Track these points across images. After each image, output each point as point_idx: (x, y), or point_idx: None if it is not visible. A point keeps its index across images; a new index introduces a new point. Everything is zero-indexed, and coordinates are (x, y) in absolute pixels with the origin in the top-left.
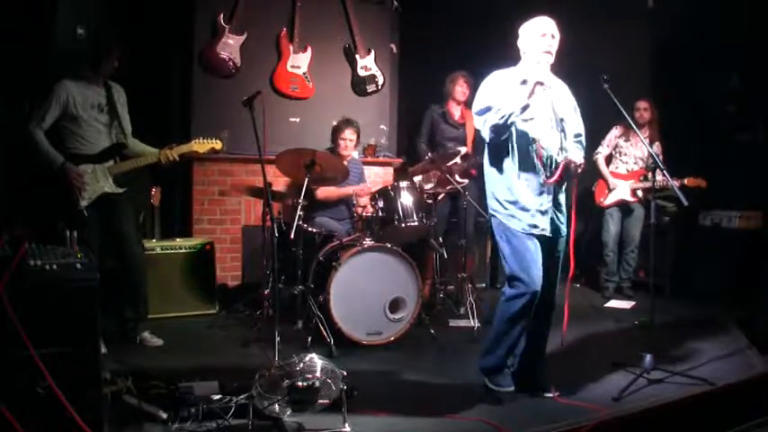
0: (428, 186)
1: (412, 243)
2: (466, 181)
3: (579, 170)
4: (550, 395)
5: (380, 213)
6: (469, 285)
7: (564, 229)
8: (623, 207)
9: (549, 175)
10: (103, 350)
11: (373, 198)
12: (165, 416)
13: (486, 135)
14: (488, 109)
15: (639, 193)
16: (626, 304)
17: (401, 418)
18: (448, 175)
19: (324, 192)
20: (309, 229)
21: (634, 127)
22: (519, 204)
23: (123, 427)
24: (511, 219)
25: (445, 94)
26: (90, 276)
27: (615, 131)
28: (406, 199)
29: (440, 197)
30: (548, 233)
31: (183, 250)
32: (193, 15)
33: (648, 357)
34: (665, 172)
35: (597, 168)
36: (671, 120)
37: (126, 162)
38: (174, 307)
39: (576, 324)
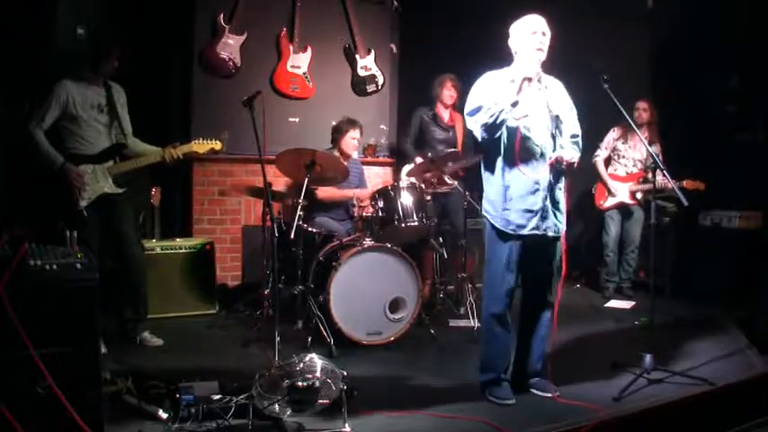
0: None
1: (412, 243)
2: (455, 182)
3: (573, 166)
4: (550, 395)
5: (380, 213)
6: (469, 285)
7: (560, 227)
8: (623, 209)
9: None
10: (103, 350)
11: (373, 198)
12: (165, 416)
13: (479, 135)
14: (479, 109)
15: (639, 195)
16: (626, 304)
17: (401, 418)
18: (447, 177)
19: (324, 193)
20: (309, 229)
21: (634, 127)
22: (509, 204)
23: (123, 427)
24: (502, 220)
25: (433, 97)
26: (90, 276)
27: (613, 134)
28: (406, 199)
29: (428, 198)
30: (539, 232)
31: (183, 250)
32: (193, 15)
33: (648, 357)
34: (665, 172)
35: (596, 171)
36: (671, 120)
37: (126, 162)
38: (174, 307)
39: (576, 324)
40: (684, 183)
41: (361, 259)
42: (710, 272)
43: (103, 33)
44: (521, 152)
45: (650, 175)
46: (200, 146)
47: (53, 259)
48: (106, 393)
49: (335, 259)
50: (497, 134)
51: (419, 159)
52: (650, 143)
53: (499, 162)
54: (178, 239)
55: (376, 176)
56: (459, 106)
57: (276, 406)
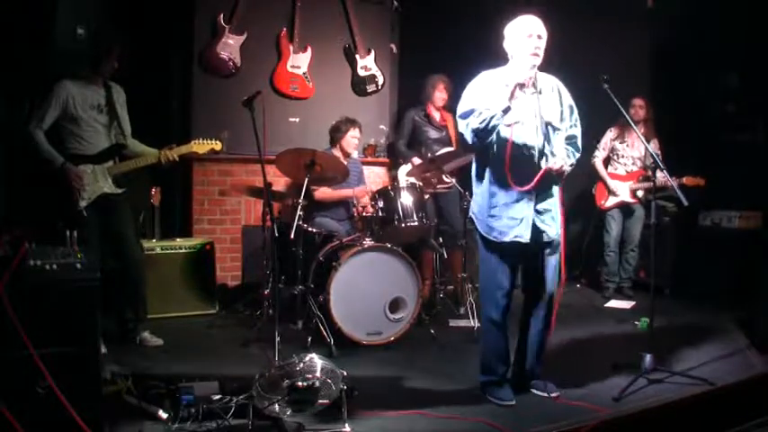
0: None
1: (412, 243)
2: (453, 180)
3: (564, 175)
4: (551, 395)
5: (380, 213)
6: (469, 285)
7: (550, 233)
8: (624, 208)
9: (526, 182)
10: (103, 350)
11: (373, 198)
12: (165, 416)
13: (469, 139)
14: (471, 112)
15: (639, 193)
16: (626, 304)
17: (401, 418)
18: (446, 176)
19: (322, 193)
20: (309, 229)
21: (633, 126)
22: (494, 212)
23: (123, 427)
24: (485, 226)
25: (424, 98)
26: (90, 276)
27: (610, 134)
28: (406, 199)
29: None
30: (524, 240)
31: (183, 250)
32: (193, 15)
33: (648, 357)
34: (665, 171)
35: (596, 172)
36: (670, 120)
37: (125, 162)
38: (174, 307)
39: (577, 324)
40: (684, 179)
41: (361, 259)
42: (710, 272)
43: (103, 33)
44: (510, 160)
45: (650, 174)
46: (200, 146)
47: (53, 259)
48: (106, 393)
49: (335, 259)
50: (488, 139)
51: (417, 160)
52: (648, 139)
53: (487, 168)
54: (178, 239)
55: (376, 176)
56: (449, 106)
57: (276, 406)
